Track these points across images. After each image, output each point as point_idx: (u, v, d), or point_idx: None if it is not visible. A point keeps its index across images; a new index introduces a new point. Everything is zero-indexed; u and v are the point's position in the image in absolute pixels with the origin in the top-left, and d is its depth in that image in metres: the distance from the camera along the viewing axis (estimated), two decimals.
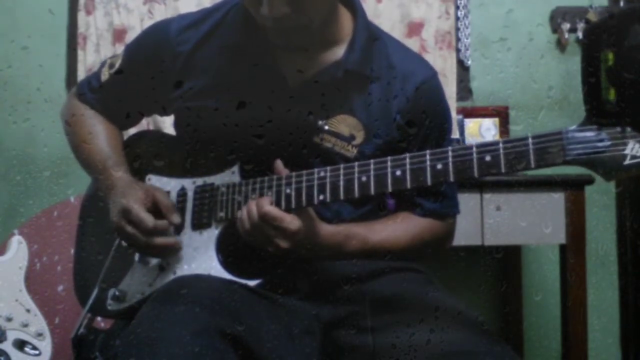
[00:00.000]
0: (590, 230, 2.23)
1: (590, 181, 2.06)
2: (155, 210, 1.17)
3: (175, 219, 1.18)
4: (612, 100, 0.90)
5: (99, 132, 1.31)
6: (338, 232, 1.13)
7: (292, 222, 1.06)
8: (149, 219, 1.15)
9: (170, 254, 1.17)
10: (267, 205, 1.06)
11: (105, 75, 1.32)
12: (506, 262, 2.56)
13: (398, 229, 1.21)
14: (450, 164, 0.98)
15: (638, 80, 0.89)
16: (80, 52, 2.54)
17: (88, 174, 1.32)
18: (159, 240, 1.15)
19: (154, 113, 1.41)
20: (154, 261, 1.19)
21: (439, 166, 0.99)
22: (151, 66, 1.26)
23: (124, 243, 1.20)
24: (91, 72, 1.49)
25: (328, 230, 1.12)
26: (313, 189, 1.07)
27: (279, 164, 1.11)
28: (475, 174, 0.97)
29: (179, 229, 1.19)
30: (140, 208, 1.15)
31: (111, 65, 1.32)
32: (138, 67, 1.29)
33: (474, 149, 0.97)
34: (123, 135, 1.37)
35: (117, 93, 1.31)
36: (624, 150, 0.88)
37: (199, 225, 1.17)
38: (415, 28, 2.56)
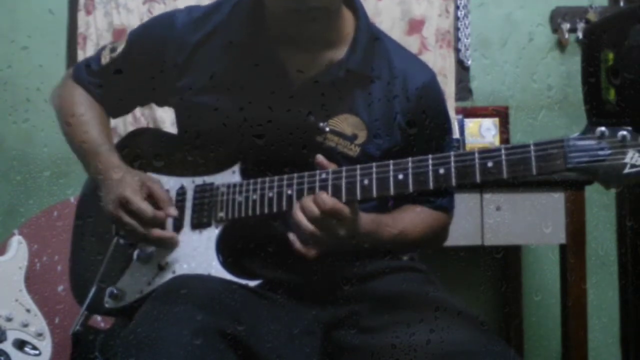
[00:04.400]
0: (590, 230, 2.22)
1: (590, 181, 2.05)
2: (151, 202, 1.16)
3: (173, 211, 1.17)
4: (612, 100, 0.90)
5: (92, 117, 1.29)
6: (372, 220, 1.14)
7: (347, 210, 1.06)
8: (148, 209, 1.14)
9: (166, 247, 1.16)
10: (331, 199, 1.05)
11: (105, 59, 1.30)
12: (506, 262, 2.56)
13: (415, 218, 1.23)
14: (453, 169, 0.99)
15: (638, 80, 0.89)
16: (80, 52, 2.54)
17: (79, 158, 1.29)
18: (157, 232, 1.15)
19: (151, 102, 1.39)
20: (152, 260, 1.18)
21: (442, 171, 1.00)
22: (154, 55, 1.24)
23: (121, 236, 1.20)
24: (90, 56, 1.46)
25: (365, 218, 1.12)
26: (315, 190, 1.07)
27: (320, 158, 1.09)
28: (477, 179, 0.98)
29: (178, 227, 1.18)
30: (138, 198, 1.15)
31: (113, 49, 1.30)
32: (140, 55, 1.27)
33: (476, 155, 0.98)
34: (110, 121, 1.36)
35: (116, 78, 1.29)
36: (623, 159, 0.89)
37: (199, 224, 1.17)
38: (416, 25, 2.55)
